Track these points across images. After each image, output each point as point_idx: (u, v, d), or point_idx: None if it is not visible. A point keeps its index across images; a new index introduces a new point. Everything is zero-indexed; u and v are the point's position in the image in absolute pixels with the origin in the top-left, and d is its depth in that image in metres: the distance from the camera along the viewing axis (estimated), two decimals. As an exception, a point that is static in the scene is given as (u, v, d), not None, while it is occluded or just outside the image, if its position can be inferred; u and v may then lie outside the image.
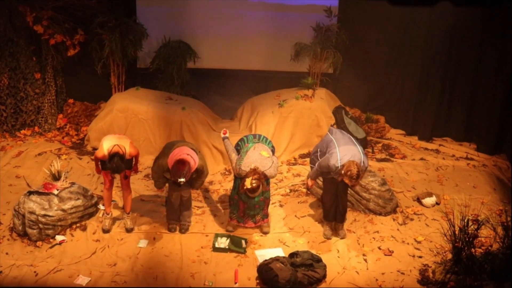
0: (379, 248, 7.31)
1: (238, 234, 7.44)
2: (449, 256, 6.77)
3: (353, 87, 10.78)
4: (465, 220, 6.47)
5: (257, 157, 6.95)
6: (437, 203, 8.37)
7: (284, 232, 7.61)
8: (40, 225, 7.10)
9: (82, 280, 6.55)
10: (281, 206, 8.23)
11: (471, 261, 6.36)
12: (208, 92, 10.91)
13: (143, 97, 9.76)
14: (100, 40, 9.74)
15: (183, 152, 6.73)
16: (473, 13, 9.63)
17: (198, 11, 10.60)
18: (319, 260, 6.77)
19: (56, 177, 7.61)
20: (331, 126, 9.62)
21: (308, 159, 9.00)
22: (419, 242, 7.45)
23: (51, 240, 7.18)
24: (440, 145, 10.39)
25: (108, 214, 7.45)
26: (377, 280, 6.74)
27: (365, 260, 7.09)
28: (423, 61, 10.26)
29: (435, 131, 10.56)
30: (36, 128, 10.24)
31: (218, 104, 10.91)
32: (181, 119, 9.41)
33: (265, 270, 6.53)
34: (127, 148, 6.89)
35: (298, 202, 8.35)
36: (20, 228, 7.18)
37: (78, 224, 7.48)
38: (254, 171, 6.77)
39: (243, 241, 7.23)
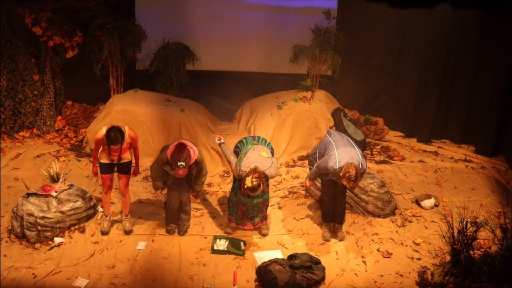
0: (378, 250, 7.31)
1: (237, 236, 7.44)
2: (448, 258, 6.77)
3: (352, 89, 10.78)
4: (464, 222, 6.48)
5: (256, 158, 6.96)
6: (436, 205, 8.37)
7: (283, 234, 7.60)
8: (39, 227, 7.10)
9: (81, 282, 6.54)
10: (279, 208, 8.23)
11: (470, 263, 6.37)
12: (207, 94, 10.91)
13: (142, 99, 9.76)
14: (99, 42, 9.74)
15: (182, 140, 6.90)
16: (472, 16, 9.65)
17: (197, 13, 10.61)
18: (317, 262, 6.77)
19: (54, 179, 7.60)
20: (330, 128, 9.63)
21: (307, 161, 9.00)
22: (417, 244, 7.45)
23: (49, 242, 7.17)
24: (438, 147, 10.40)
25: (106, 216, 7.45)
26: (375, 282, 6.74)
27: (364, 262, 7.08)
28: (422, 63, 10.27)
29: (433, 133, 10.57)
30: (34, 130, 10.23)
31: (217, 106, 10.92)
32: (180, 121, 9.41)
33: (264, 272, 6.52)
34: (127, 129, 6.97)
35: (297, 204, 8.35)
36: (18, 230, 7.18)
37: (76, 226, 7.48)
38: (254, 170, 6.78)
39: (242, 243, 7.23)
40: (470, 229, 6.47)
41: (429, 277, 6.76)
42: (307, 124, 9.82)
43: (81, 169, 9.09)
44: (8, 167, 9.01)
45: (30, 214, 7.10)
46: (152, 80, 10.33)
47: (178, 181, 7.11)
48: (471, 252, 6.45)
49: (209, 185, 8.81)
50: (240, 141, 7.42)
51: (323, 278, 6.66)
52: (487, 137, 10.03)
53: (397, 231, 7.74)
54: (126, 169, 7.22)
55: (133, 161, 7.33)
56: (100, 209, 7.76)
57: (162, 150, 7.18)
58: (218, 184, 8.89)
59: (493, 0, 2.47)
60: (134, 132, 7.14)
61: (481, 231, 6.64)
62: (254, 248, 7.27)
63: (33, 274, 6.62)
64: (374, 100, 11.00)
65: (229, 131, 10.03)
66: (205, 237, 7.45)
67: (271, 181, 8.06)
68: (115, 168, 7.21)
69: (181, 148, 6.70)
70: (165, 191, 7.38)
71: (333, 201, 7.40)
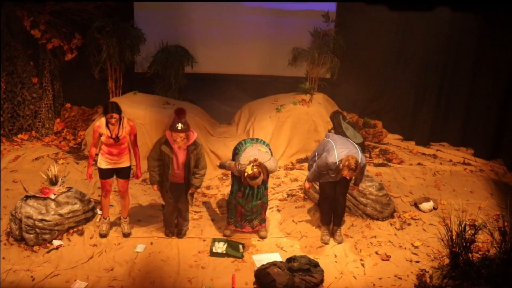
0: (377, 253, 7.31)
1: (235, 239, 7.43)
2: (446, 261, 6.77)
3: (351, 92, 10.79)
4: (462, 225, 6.48)
5: (255, 152, 6.98)
6: (435, 208, 8.37)
7: (282, 237, 7.60)
8: (37, 230, 7.09)
9: (79, 285, 6.53)
10: (278, 211, 8.23)
11: (468, 266, 6.37)
12: (205, 96, 10.91)
13: (141, 102, 9.76)
14: (98, 44, 9.74)
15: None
16: (470, 19, 9.66)
17: (195, 16, 10.61)
18: (316, 265, 6.77)
19: (53, 181, 7.59)
20: (329, 131, 9.64)
21: (305, 164, 8.99)
22: (416, 247, 7.45)
23: (48, 244, 7.16)
24: (437, 150, 10.41)
25: (105, 219, 7.44)
26: (374, 285, 6.73)
27: (363, 265, 7.08)
28: (421, 66, 10.28)
29: (432, 136, 10.58)
30: (33, 132, 10.22)
31: (216, 109, 10.91)
32: (179, 123, 9.40)
33: (263, 275, 6.52)
34: (125, 118, 7.05)
35: (296, 207, 8.35)
36: (17, 232, 7.17)
37: (75, 229, 7.47)
38: (254, 160, 6.81)
39: (240, 246, 7.23)
40: (469, 232, 6.47)
41: (428, 280, 6.76)
42: (305, 127, 9.82)
43: (79, 171, 9.08)
44: (6, 170, 9.00)
45: (29, 217, 7.09)
46: (151, 82, 10.32)
47: (175, 188, 7.09)
48: (470, 255, 6.45)
49: (208, 187, 8.81)
50: (239, 143, 7.43)
51: (321, 281, 6.66)
52: (486, 140, 10.03)
53: (395, 234, 7.74)
54: (125, 174, 7.20)
55: (133, 163, 7.32)
56: (99, 212, 7.75)
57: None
58: (216, 186, 8.89)
59: (491, 3, 2.48)
60: (133, 123, 7.15)
61: (480, 234, 6.64)
62: (252, 251, 7.26)
63: (32, 276, 6.61)
64: (372, 103, 11.01)
65: (227, 134, 10.04)
66: (204, 240, 7.44)
67: (270, 184, 8.06)
68: (114, 174, 7.20)
69: (181, 112, 6.77)
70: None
71: (331, 204, 7.41)
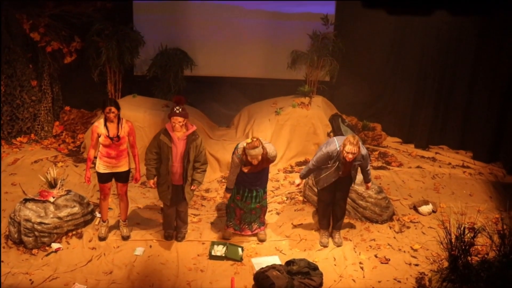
0: (376, 256, 7.31)
1: (234, 242, 7.43)
2: (446, 264, 6.76)
3: (350, 95, 10.80)
4: (462, 228, 6.47)
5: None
6: (434, 211, 8.37)
7: (281, 240, 7.60)
8: (36, 233, 7.08)
9: (78, 288, 6.54)
10: (277, 214, 8.23)
11: (468, 269, 6.36)
12: (204, 99, 10.92)
13: (140, 105, 9.76)
14: (97, 47, 9.75)
15: None
16: (469, 22, 9.67)
17: (195, 19, 10.62)
18: (315, 268, 6.77)
19: (52, 184, 7.59)
20: (328, 134, 9.65)
21: (304, 167, 9.00)
22: (415, 250, 7.45)
23: (47, 248, 7.15)
24: (436, 153, 10.41)
25: (104, 222, 7.43)
26: (373, 288, 6.74)
27: (362, 268, 7.08)
28: (420, 69, 10.29)
29: (431, 139, 10.58)
30: (32, 135, 10.22)
31: (215, 112, 10.92)
32: (178, 126, 9.40)
33: (262, 278, 6.51)
34: (124, 120, 7.06)
35: (295, 210, 8.34)
36: (15, 235, 7.16)
37: (74, 232, 7.46)
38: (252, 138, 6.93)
39: (239, 249, 7.22)
40: (468, 235, 6.46)
41: (427, 283, 6.76)
42: (305, 130, 9.82)
43: (78, 174, 9.08)
44: (5, 173, 8.99)
45: (28, 220, 7.09)
46: (150, 85, 10.33)
47: (174, 190, 7.09)
48: (469, 258, 6.45)
49: (207, 190, 8.81)
50: (237, 145, 7.43)
51: (320, 284, 6.65)
52: (485, 143, 10.04)
53: (394, 237, 7.74)
54: (124, 178, 7.20)
55: (132, 166, 7.32)
56: (98, 215, 7.74)
57: None
58: (215, 189, 8.89)
59: (490, 7, 2.48)
60: (132, 124, 7.17)
61: (479, 237, 6.64)
62: (251, 254, 7.26)
63: (30, 280, 6.61)
64: (372, 106, 11.01)
65: (227, 137, 10.04)
66: (203, 243, 7.44)
67: (269, 187, 8.05)
68: (113, 178, 7.19)
69: (178, 101, 6.84)
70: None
71: (329, 208, 7.41)
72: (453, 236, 6.53)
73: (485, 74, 9.85)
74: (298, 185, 7.44)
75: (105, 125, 6.90)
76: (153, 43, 10.34)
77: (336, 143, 6.91)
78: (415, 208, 8.43)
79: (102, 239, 7.37)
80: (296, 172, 9.48)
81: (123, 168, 7.11)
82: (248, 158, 6.84)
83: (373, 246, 7.51)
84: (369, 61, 10.68)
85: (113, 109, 6.83)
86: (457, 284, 6.36)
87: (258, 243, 7.49)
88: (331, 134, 9.75)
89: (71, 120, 10.57)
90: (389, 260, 7.22)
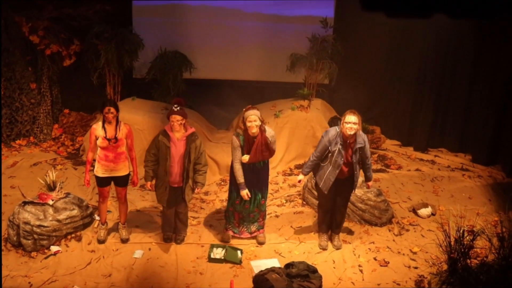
0: (375, 259, 7.30)
1: (233, 245, 7.42)
2: (445, 267, 6.76)
3: (349, 97, 10.80)
4: (461, 231, 6.47)
5: None
6: (433, 214, 8.37)
7: (280, 243, 7.59)
8: (35, 236, 7.07)
9: (77, 291, 6.53)
10: (276, 216, 8.22)
11: (467, 272, 6.36)
12: (203, 102, 10.92)
13: (139, 108, 9.76)
14: (96, 50, 9.76)
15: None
16: (468, 25, 9.69)
17: (194, 22, 10.63)
18: (314, 270, 6.76)
19: (51, 187, 7.58)
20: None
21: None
22: (414, 253, 7.45)
23: (46, 250, 7.14)
24: (435, 156, 10.42)
25: (103, 225, 7.43)
26: (373, 291, 6.73)
27: (361, 271, 7.07)
28: (419, 72, 10.30)
29: (430, 142, 10.59)
30: (31, 138, 10.22)
31: (214, 115, 10.92)
32: (177, 129, 9.40)
33: (261, 281, 6.51)
34: (122, 122, 7.08)
35: (294, 213, 8.34)
36: (14, 238, 7.15)
37: (73, 235, 7.45)
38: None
39: (238, 252, 7.22)
40: (467, 238, 6.46)
41: (426, 286, 6.75)
42: (304, 132, 9.83)
43: (77, 177, 9.08)
44: (4, 175, 8.98)
45: (27, 223, 7.08)
46: (149, 88, 10.33)
47: (173, 192, 7.09)
48: (468, 261, 6.44)
49: (206, 193, 8.81)
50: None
51: (320, 287, 6.64)
52: (484, 145, 10.05)
53: (394, 240, 7.73)
54: (123, 183, 7.19)
55: (131, 169, 7.31)
56: (97, 218, 7.73)
57: None
58: (215, 192, 8.89)
59: (489, 10, 2.48)
60: (130, 127, 7.19)
61: (478, 240, 6.63)
62: (251, 257, 7.25)
63: (29, 283, 6.59)
64: (371, 108, 11.02)
65: (226, 140, 10.04)
66: (202, 246, 7.43)
67: (268, 190, 8.04)
68: (112, 181, 7.19)
69: (178, 102, 6.89)
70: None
71: (329, 214, 7.39)
72: (452, 239, 6.53)
73: (484, 76, 9.86)
74: (300, 181, 7.29)
75: (103, 127, 6.90)
76: (152, 46, 10.35)
77: (335, 128, 6.93)
78: (414, 211, 8.42)
79: (101, 242, 7.36)
80: (295, 175, 9.49)
81: (122, 172, 7.10)
82: (247, 124, 6.86)
83: (372, 249, 7.51)
84: (368, 64, 10.69)
85: (112, 109, 6.85)
86: (457, 287, 6.36)
87: (257, 246, 7.49)
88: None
89: (70, 123, 10.57)
90: (388, 263, 7.21)
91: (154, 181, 7.16)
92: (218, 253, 7.18)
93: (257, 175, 7.14)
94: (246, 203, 7.24)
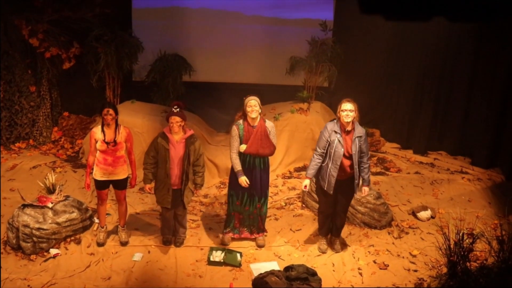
0: (374, 261, 7.29)
1: (233, 247, 7.41)
2: (444, 270, 6.75)
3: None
4: (460, 234, 6.47)
5: None
6: (432, 217, 8.37)
7: (279, 246, 7.58)
8: (34, 239, 7.07)
9: (76, 294, 6.52)
10: (276, 219, 8.22)
11: (466, 275, 6.35)
12: (203, 105, 10.92)
13: (139, 110, 9.77)
14: (96, 53, 9.76)
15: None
16: (467, 28, 9.70)
17: (193, 25, 10.65)
18: (314, 273, 6.75)
19: (50, 190, 7.58)
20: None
21: (303, 173, 8.99)
22: (414, 256, 7.44)
23: (45, 253, 7.14)
24: (435, 158, 10.42)
25: (102, 228, 7.42)
26: (372, 294, 6.73)
27: (360, 273, 7.06)
28: (418, 75, 10.31)
29: (430, 145, 10.59)
30: (31, 141, 10.22)
31: (213, 117, 10.93)
32: (177, 132, 9.40)
33: (260, 284, 6.50)
34: (121, 126, 7.09)
35: (294, 216, 8.34)
36: (14, 241, 7.15)
37: (72, 238, 7.45)
38: None
39: (238, 255, 7.21)
40: (467, 241, 6.46)
41: (426, 289, 6.75)
42: (303, 135, 9.83)
43: (77, 180, 9.08)
44: (4, 178, 8.98)
45: (26, 225, 7.07)
46: (148, 91, 10.34)
47: (173, 194, 7.08)
48: (468, 264, 6.44)
49: (205, 196, 8.81)
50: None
51: (319, 290, 6.65)
52: (483, 148, 10.05)
53: (393, 243, 7.73)
54: (122, 186, 7.19)
55: (129, 172, 7.31)
56: (96, 220, 7.73)
57: None
58: (214, 195, 8.89)
59: (487, 13, 2.49)
60: (130, 130, 7.19)
61: (478, 243, 6.63)
62: (250, 260, 7.25)
63: (29, 285, 6.58)
64: (370, 111, 11.02)
65: (225, 142, 10.03)
66: (202, 249, 7.42)
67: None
68: (111, 184, 7.19)
69: (179, 102, 6.94)
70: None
71: (329, 219, 7.38)
72: (452, 242, 6.52)
73: (483, 80, 9.87)
74: (305, 186, 7.10)
75: (102, 130, 6.91)
76: (152, 49, 10.36)
77: (333, 120, 6.97)
78: (413, 214, 8.42)
79: (100, 244, 7.35)
80: (294, 177, 9.49)
81: (121, 176, 7.10)
82: (247, 109, 6.95)
83: (371, 252, 7.51)
84: (368, 67, 10.70)
85: (110, 111, 6.86)
86: (456, 290, 6.36)
87: (256, 249, 7.48)
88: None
89: (69, 125, 10.57)
90: (388, 266, 7.21)
91: (153, 184, 7.16)
92: (218, 256, 7.17)
93: (257, 177, 7.12)
94: (246, 204, 7.23)
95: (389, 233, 7.95)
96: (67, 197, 7.63)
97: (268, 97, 10.71)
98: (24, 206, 7.34)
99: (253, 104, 6.95)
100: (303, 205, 8.59)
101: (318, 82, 10.39)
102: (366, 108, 10.96)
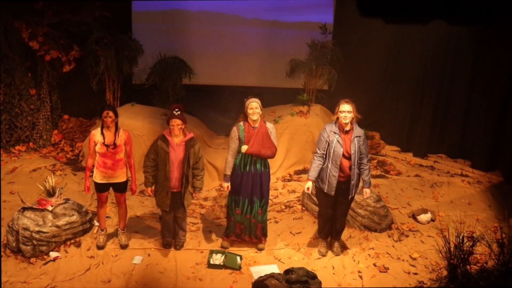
0: (374, 264, 7.29)
1: (233, 250, 7.41)
2: (445, 273, 6.75)
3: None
4: (460, 237, 6.46)
5: None
6: (432, 220, 8.37)
7: (279, 249, 7.58)
8: (34, 242, 7.06)
9: (76, 297, 6.51)
10: (276, 222, 8.21)
11: (467, 278, 6.34)
12: (203, 108, 10.93)
13: (138, 113, 9.77)
14: (96, 56, 9.76)
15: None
16: (467, 31, 9.71)
17: (193, 28, 10.66)
18: (314, 276, 6.74)
19: (50, 193, 7.57)
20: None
21: (303, 176, 8.99)
22: (414, 259, 7.44)
23: (45, 256, 7.13)
24: (435, 161, 10.42)
25: (102, 231, 7.42)
26: (372, 297, 6.72)
27: (361, 276, 7.06)
28: (418, 78, 10.32)
29: (430, 147, 10.60)
30: (31, 144, 10.22)
31: (213, 120, 10.93)
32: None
33: (260, 287, 6.49)
34: (121, 129, 7.09)
35: (294, 219, 8.34)
36: (14, 244, 7.14)
37: (72, 241, 7.44)
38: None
39: (238, 258, 7.21)
40: (467, 243, 6.45)
41: (426, 292, 6.74)
42: (303, 138, 9.83)
43: (77, 183, 9.07)
44: (4, 181, 8.98)
45: (26, 229, 7.07)
46: (148, 94, 10.34)
47: (172, 197, 7.08)
48: (468, 267, 6.43)
49: (205, 199, 8.80)
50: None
51: (319, 293, 6.64)
52: (483, 151, 10.05)
53: (393, 246, 7.72)
54: (121, 189, 7.18)
55: (129, 175, 7.31)
56: (96, 223, 7.73)
57: None
58: (214, 198, 8.88)
59: (487, 16, 2.49)
60: (129, 133, 7.20)
61: (478, 246, 6.63)
62: (250, 263, 7.24)
63: (28, 289, 6.59)
64: (370, 114, 11.01)
65: (225, 145, 10.01)
66: (202, 252, 7.42)
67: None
68: (111, 187, 7.18)
69: (179, 105, 6.96)
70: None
71: (329, 222, 7.38)
72: (452, 245, 6.52)
73: (483, 82, 9.88)
74: (308, 188, 7.07)
75: (102, 133, 6.91)
76: (152, 51, 10.36)
77: (332, 122, 6.99)
78: (413, 217, 8.42)
79: (100, 247, 7.34)
80: (294, 180, 9.48)
81: (120, 178, 7.10)
82: (248, 111, 6.97)
83: (371, 254, 7.50)
84: (368, 70, 10.71)
85: (110, 113, 6.86)
86: (456, 293, 6.35)
87: (256, 252, 7.47)
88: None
89: (69, 128, 10.57)
90: (388, 268, 7.20)
91: (153, 187, 7.16)
92: (218, 259, 7.16)
93: (258, 180, 7.10)
94: (247, 213, 7.21)
95: (389, 236, 7.94)
96: (67, 200, 7.63)
97: (268, 100, 10.71)
98: (24, 209, 7.34)
99: (254, 106, 6.97)
100: (303, 208, 8.58)
101: (318, 85, 10.39)
102: (366, 110, 10.95)
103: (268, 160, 7.38)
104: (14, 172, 9.35)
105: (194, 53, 10.68)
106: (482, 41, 9.73)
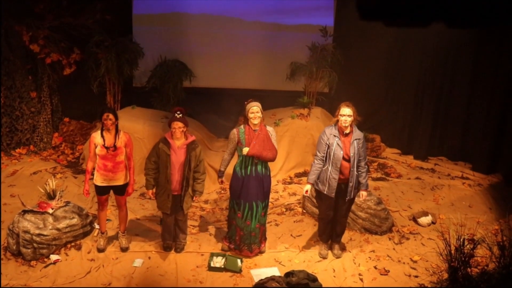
0: (375, 267, 7.28)
1: (233, 253, 7.40)
2: (445, 275, 6.74)
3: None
4: (461, 240, 6.46)
5: None
6: (433, 223, 8.36)
7: (280, 251, 7.57)
8: (35, 245, 7.06)
9: (77, 300, 6.51)
10: (276, 225, 8.21)
11: (467, 281, 6.34)
12: (204, 111, 10.93)
13: (139, 116, 9.77)
14: (96, 59, 9.77)
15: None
16: (467, 34, 9.71)
17: (194, 31, 10.66)
18: (315, 279, 6.74)
19: (51, 196, 7.57)
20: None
21: (304, 178, 8.98)
22: (415, 262, 7.43)
23: (45, 259, 7.12)
24: (435, 164, 10.42)
25: (103, 233, 7.41)
26: (373, 300, 6.71)
27: (361, 279, 7.05)
28: (418, 81, 10.32)
29: (430, 150, 10.59)
30: (31, 147, 10.23)
31: (214, 123, 10.93)
32: (177, 138, 9.40)
33: (261, 290, 6.49)
34: (121, 131, 7.10)
35: (294, 221, 8.33)
36: (14, 247, 7.14)
37: (73, 243, 7.44)
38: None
39: (238, 261, 7.20)
40: (468, 246, 6.45)
41: (427, 294, 6.74)
42: (304, 141, 9.83)
43: (77, 186, 9.07)
44: (4, 184, 8.98)
45: (26, 231, 7.06)
46: (149, 97, 10.34)
47: (173, 199, 7.07)
48: (469, 269, 6.43)
49: (206, 202, 8.80)
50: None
51: (320, 296, 6.63)
52: (484, 154, 10.05)
53: (394, 248, 7.72)
54: (122, 191, 7.18)
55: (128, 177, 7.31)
56: (97, 226, 7.72)
57: None
58: (215, 201, 8.88)
59: (487, 19, 2.49)
60: (130, 136, 7.20)
61: (479, 248, 6.62)
62: (251, 266, 7.23)
63: (29, 292, 6.59)
64: (371, 117, 11.02)
65: (225, 148, 10.02)
66: (202, 254, 7.41)
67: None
68: (111, 190, 7.18)
69: (180, 108, 6.98)
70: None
71: (330, 225, 7.37)
72: (453, 248, 6.51)
73: (483, 85, 9.88)
74: (306, 191, 7.10)
75: (102, 135, 6.91)
76: (152, 54, 10.38)
77: (332, 125, 7.01)
78: (414, 220, 8.41)
79: (100, 250, 7.34)
80: (295, 183, 9.48)
81: (121, 181, 7.09)
82: (249, 115, 6.98)
83: (372, 257, 7.50)
84: (368, 73, 10.71)
85: (110, 115, 6.86)
86: (457, 296, 6.34)
87: (257, 255, 7.47)
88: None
89: (70, 131, 10.58)
90: (389, 271, 7.20)
91: (154, 189, 7.15)
92: (218, 261, 7.16)
93: (260, 183, 7.10)
94: (248, 218, 7.19)
95: (389, 239, 7.94)
96: (67, 203, 7.63)
97: (269, 103, 10.71)
98: (25, 212, 7.34)
99: (255, 110, 6.99)
100: (304, 211, 8.58)
101: (319, 87, 10.39)
102: (366, 113, 10.96)
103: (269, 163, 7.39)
104: (15, 175, 9.35)
105: (195, 55, 10.69)
106: (482, 45, 9.73)
